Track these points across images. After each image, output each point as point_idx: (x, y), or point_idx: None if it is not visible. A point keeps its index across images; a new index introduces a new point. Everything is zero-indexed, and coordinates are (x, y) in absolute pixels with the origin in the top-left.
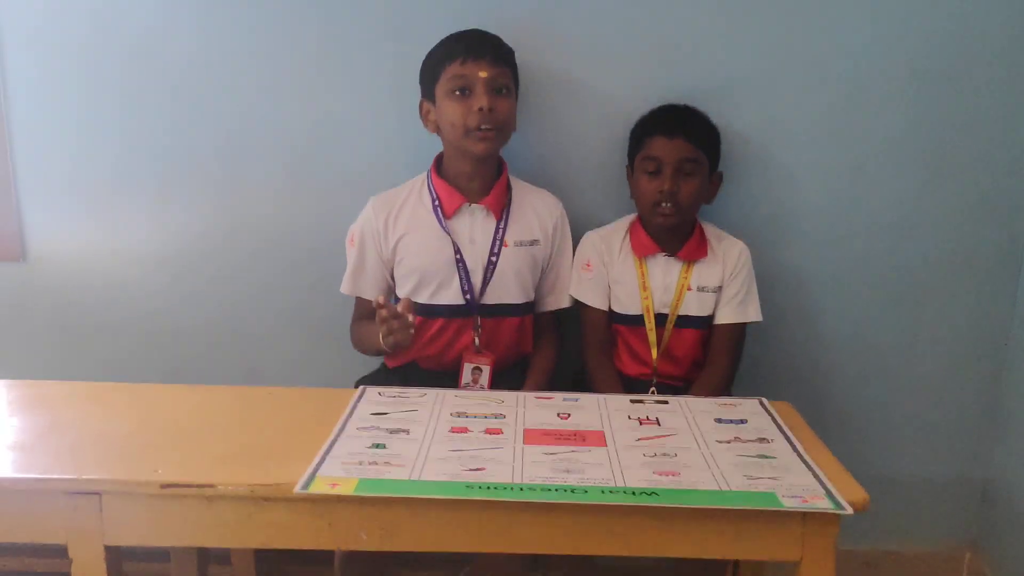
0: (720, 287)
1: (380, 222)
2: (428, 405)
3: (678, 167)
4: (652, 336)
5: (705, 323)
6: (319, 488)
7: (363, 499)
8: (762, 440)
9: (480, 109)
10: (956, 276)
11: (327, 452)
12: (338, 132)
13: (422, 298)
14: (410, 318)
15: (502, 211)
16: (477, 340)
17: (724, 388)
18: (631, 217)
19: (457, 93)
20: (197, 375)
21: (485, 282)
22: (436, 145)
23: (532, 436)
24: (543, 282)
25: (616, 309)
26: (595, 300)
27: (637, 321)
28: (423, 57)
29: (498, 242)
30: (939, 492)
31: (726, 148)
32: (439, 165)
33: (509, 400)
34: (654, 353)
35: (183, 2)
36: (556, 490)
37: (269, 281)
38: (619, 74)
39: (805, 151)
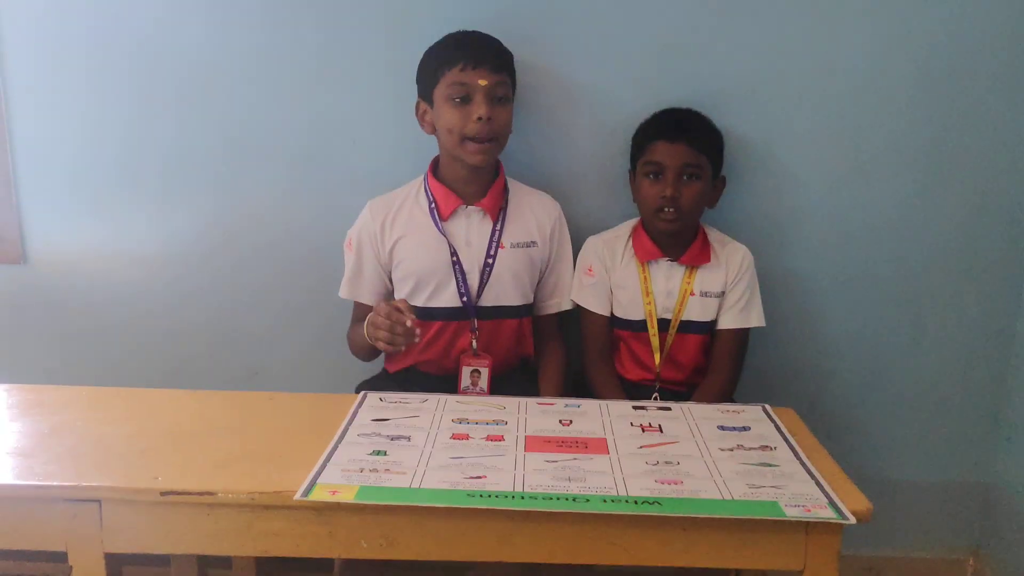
0: (723, 292)
1: (377, 225)
2: (429, 411)
3: (680, 172)
4: (655, 341)
5: (708, 328)
6: (319, 496)
7: (363, 507)
8: (765, 448)
9: (479, 119)
10: (959, 280)
11: (327, 459)
12: (341, 134)
13: (419, 301)
14: (408, 322)
15: (499, 213)
16: (475, 343)
17: (727, 394)
18: (634, 221)
19: (456, 100)
20: (198, 377)
21: (482, 284)
22: (436, 147)
23: (533, 443)
24: (543, 285)
25: (618, 314)
26: (596, 306)
27: (640, 326)
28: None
29: (495, 244)
30: (942, 498)
31: (729, 151)
32: (435, 167)
33: (511, 406)
34: (657, 358)
35: (185, 3)
36: (557, 499)
37: (270, 283)
38: (622, 77)
39: (808, 154)
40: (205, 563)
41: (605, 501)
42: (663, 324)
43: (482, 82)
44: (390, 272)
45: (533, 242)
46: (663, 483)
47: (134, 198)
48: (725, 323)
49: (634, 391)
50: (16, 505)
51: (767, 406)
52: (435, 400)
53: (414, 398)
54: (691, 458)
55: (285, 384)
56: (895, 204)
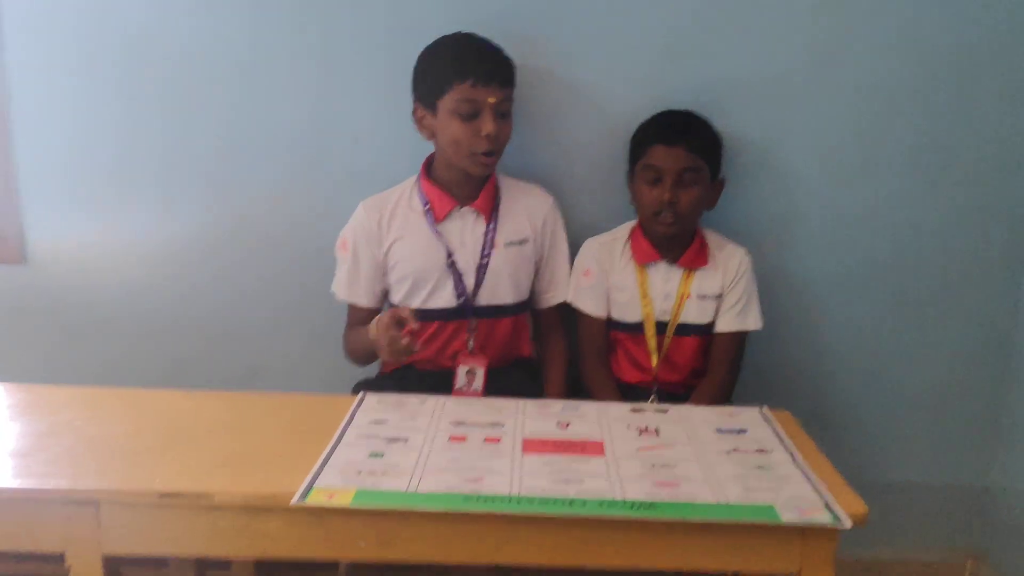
0: (720, 295)
1: (373, 224)
2: (427, 413)
3: (678, 177)
4: (652, 343)
5: (705, 331)
6: (316, 500)
7: (360, 510)
8: (762, 451)
9: (487, 136)
10: (960, 283)
11: (325, 461)
12: (339, 132)
13: (416, 302)
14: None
15: (492, 213)
16: (471, 342)
17: (725, 397)
18: (632, 223)
19: (464, 115)
20: (197, 376)
21: (478, 284)
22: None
23: (531, 445)
24: (539, 279)
25: (616, 316)
26: (593, 308)
27: (637, 328)
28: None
29: (488, 244)
30: (941, 500)
31: (729, 152)
32: (428, 169)
33: (509, 408)
34: (654, 360)
35: (184, 2)
36: (554, 502)
37: (269, 282)
38: (621, 77)
39: (808, 156)
40: (203, 565)
41: (601, 505)
42: (661, 326)
43: (491, 99)
44: (385, 273)
45: (525, 239)
46: (660, 486)
47: (133, 198)
48: (723, 326)
49: (631, 393)
50: (14, 507)
51: (764, 408)
52: (433, 402)
53: (412, 399)
54: (688, 461)
55: (283, 383)
56: (894, 206)
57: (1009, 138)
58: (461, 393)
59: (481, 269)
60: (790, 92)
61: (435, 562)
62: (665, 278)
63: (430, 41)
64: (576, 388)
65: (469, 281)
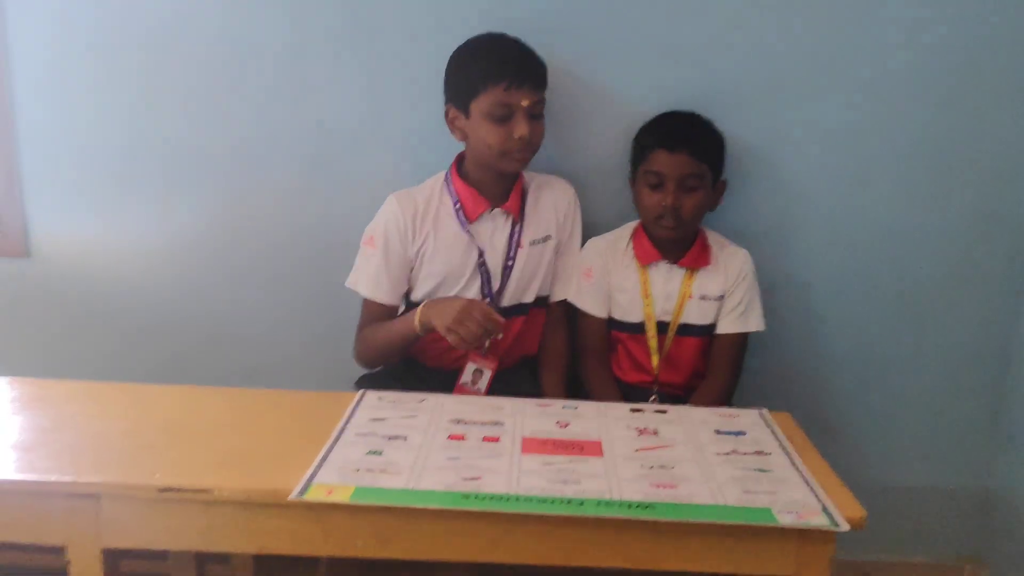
0: (722, 296)
1: (408, 219)
2: (427, 411)
3: (680, 182)
4: (653, 343)
5: (706, 331)
6: (315, 496)
7: (359, 507)
8: (760, 453)
9: (520, 138)
10: (959, 287)
11: (324, 458)
12: (346, 133)
13: None
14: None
15: (520, 212)
16: (487, 342)
17: (725, 398)
18: (634, 223)
19: (497, 118)
20: (200, 372)
21: (503, 285)
22: (442, 147)
23: (530, 445)
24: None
25: (617, 316)
26: (594, 308)
27: (638, 329)
28: (435, 59)
29: (515, 244)
30: (940, 503)
31: (730, 154)
32: (459, 166)
33: (508, 407)
34: (655, 361)
35: (191, 2)
36: (552, 502)
37: (271, 279)
38: (622, 79)
39: (810, 160)
40: (203, 558)
41: (599, 505)
42: (662, 327)
43: (524, 102)
44: (411, 269)
45: (549, 236)
46: (658, 487)
47: (138, 194)
48: (724, 327)
49: (632, 394)
50: (15, 499)
51: (764, 410)
52: (433, 400)
53: (412, 397)
54: (686, 462)
55: (285, 381)
56: (895, 210)
57: (1009, 142)
58: (463, 390)
59: (507, 270)
60: (789, 94)
61: (432, 559)
62: (667, 278)
63: (436, 42)
64: (577, 387)
65: (496, 282)
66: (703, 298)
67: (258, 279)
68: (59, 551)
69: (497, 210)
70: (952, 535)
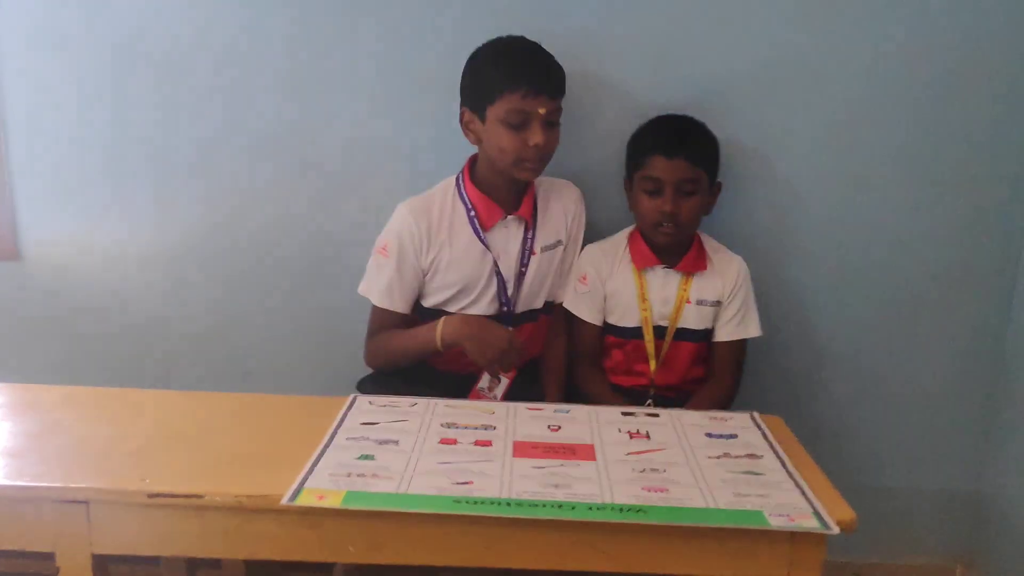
0: (719, 301)
1: (423, 231)
2: (418, 415)
3: (678, 188)
4: (650, 348)
5: (703, 337)
6: (306, 501)
7: (351, 511)
8: (752, 456)
9: (535, 146)
10: (950, 290)
11: (315, 463)
12: (338, 135)
13: (454, 309)
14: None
15: (532, 219)
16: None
17: (727, 403)
18: (630, 228)
19: (513, 124)
20: (192, 376)
21: (517, 291)
22: (441, 152)
23: (521, 449)
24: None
25: (614, 321)
26: (589, 315)
27: (635, 333)
28: (434, 62)
29: (527, 251)
30: (932, 505)
31: (724, 157)
32: (471, 173)
33: (500, 411)
34: (652, 365)
35: (177, 3)
36: (543, 506)
37: (263, 283)
38: (617, 80)
39: (803, 162)
40: (194, 564)
41: (591, 508)
42: (659, 331)
43: (541, 110)
44: (423, 278)
45: (559, 241)
46: (649, 490)
47: (129, 197)
48: (723, 335)
49: (627, 397)
50: (4, 506)
51: (755, 413)
52: (424, 404)
53: (404, 401)
54: (678, 465)
55: (277, 385)
56: (889, 213)
57: (1001, 147)
58: (479, 396)
59: (520, 277)
60: (785, 99)
61: (424, 564)
62: (663, 283)
63: (435, 45)
64: (572, 392)
65: (510, 289)
66: (700, 303)
67: (250, 282)
68: (49, 557)
69: (511, 217)
70: (943, 537)
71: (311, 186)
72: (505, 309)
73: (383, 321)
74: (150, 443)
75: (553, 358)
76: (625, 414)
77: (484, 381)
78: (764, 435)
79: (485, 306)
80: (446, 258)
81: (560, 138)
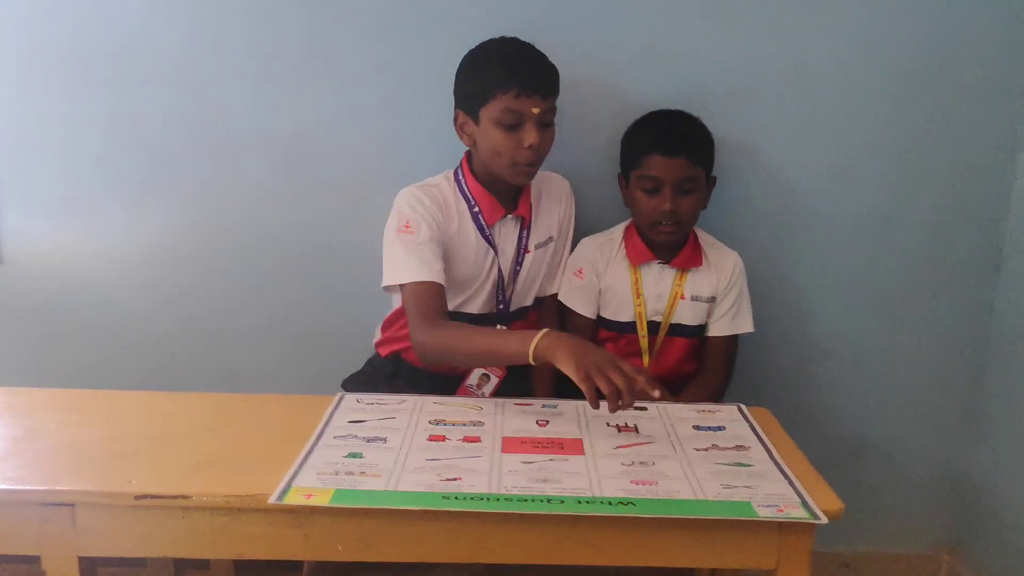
0: (713, 297)
1: (437, 208)
2: (406, 412)
3: (677, 186)
4: (644, 343)
5: (696, 332)
6: (294, 499)
7: (339, 510)
8: (739, 447)
9: (530, 146)
10: (935, 279)
11: (303, 462)
12: (323, 134)
13: (451, 305)
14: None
15: (529, 216)
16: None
17: (718, 398)
18: (626, 223)
19: (506, 125)
20: (178, 378)
21: (512, 290)
22: (421, 148)
23: (510, 444)
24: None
25: (608, 316)
26: (583, 308)
27: (629, 328)
28: (415, 59)
29: (522, 250)
30: (918, 494)
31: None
32: (471, 169)
33: (488, 407)
34: (646, 360)
35: (165, 6)
36: (532, 500)
37: (249, 283)
38: (605, 77)
39: (784, 155)
40: (182, 565)
41: (580, 502)
42: (653, 327)
43: (535, 109)
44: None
45: (551, 237)
46: (637, 484)
47: (112, 198)
48: (717, 330)
49: None
50: None
51: (742, 406)
52: (412, 401)
53: (391, 399)
54: (666, 458)
55: (264, 385)
56: (871, 204)
57: (982, 140)
58: (468, 392)
59: (514, 275)
60: (766, 93)
61: (413, 561)
62: (658, 278)
63: (416, 42)
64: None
65: (507, 287)
66: (694, 299)
67: (236, 283)
68: (34, 561)
69: (509, 216)
70: (930, 526)
71: (294, 184)
72: (501, 308)
73: (430, 297)
74: (135, 445)
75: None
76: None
77: (473, 378)
78: (751, 427)
79: (481, 304)
80: (454, 249)
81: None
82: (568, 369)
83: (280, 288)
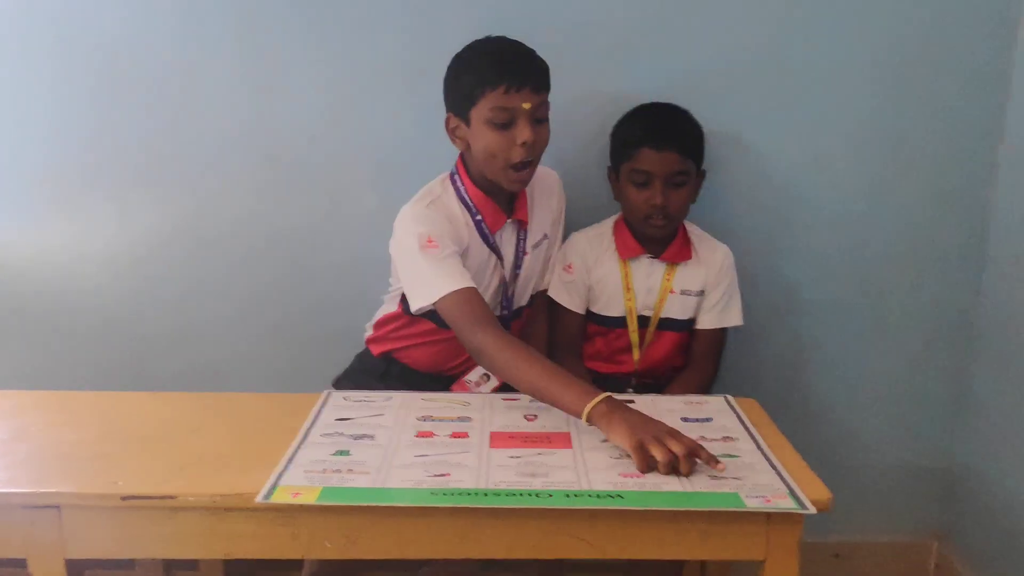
0: (703, 291)
1: (449, 224)
2: (394, 409)
3: (668, 180)
4: (635, 337)
5: (686, 326)
6: (281, 498)
7: (327, 507)
8: (727, 439)
9: (523, 144)
10: (920, 267)
11: (290, 460)
12: (309, 133)
13: None
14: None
15: (527, 220)
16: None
17: (706, 391)
18: (615, 217)
19: (498, 124)
20: (160, 378)
21: (514, 292)
22: (406, 146)
23: (498, 439)
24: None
25: (598, 310)
26: (572, 303)
27: (619, 323)
28: (402, 57)
29: (521, 252)
30: (907, 483)
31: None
32: (469, 175)
33: (476, 402)
34: (636, 354)
35: (152, 3)
36: (521, 495)
37: (231, 282)
38: (592, 69)
39: (772, 148)
40: (171, 565)
41: (568, 496)
42: (643, 320)
43: (526, 105)
44: None
45: (545, 235)
46: (626, 477)
47: (96, 199)
48: (705, 323)
49: (609, 384)
50: None
51: (729, 397)
52: (400, 398)
53: (379, 396)
54: None
55: (250, 385)
56: (856, 193)
57: (965, 129)
58: (465, 388)
59: (514, 278)
60: (754, 86)
61: (402, 558)
62: (648, 272)
63: (402, 39)
64: None
65: (509, 291)
66: (684, 293)
67: (221, 282)
68: (21, 564)
69: (510, 221)
70: (919, 514)
71: (280, 183)
72: (505, 312)
73: (475, 302)
74: (120, 446)
75: (533, 345)
76: (600, 389)
77: (474, 375)
78: (739, 418)
79: None
80: (465, 264)
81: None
82: (622, 440)
83: (264, 288)
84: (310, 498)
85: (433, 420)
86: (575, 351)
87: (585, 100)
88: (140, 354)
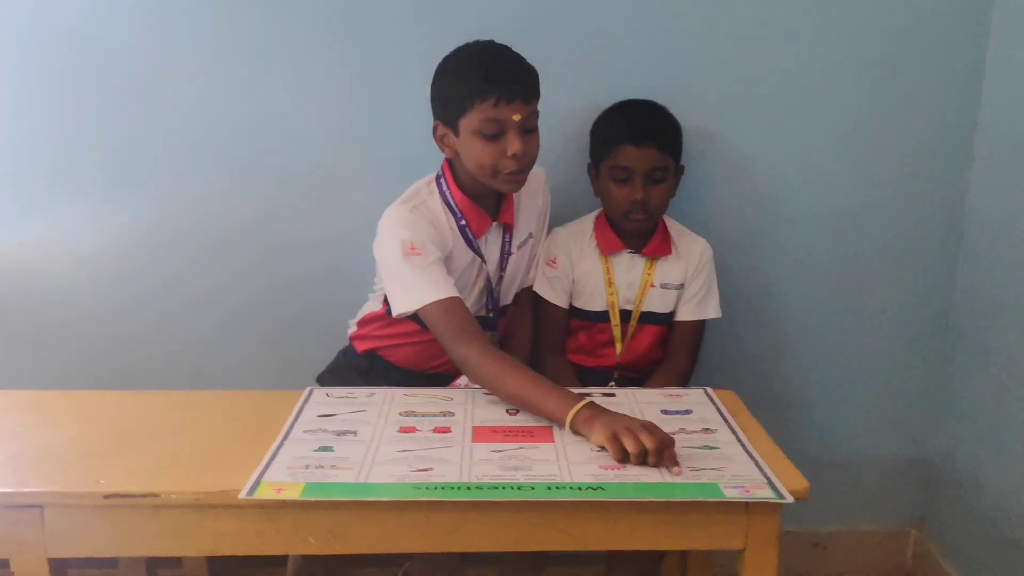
0: (682, 284)
1: (433, 229)
2: (377, 405)
3: (648, 175)
4: (617, 332)
5: (666, 320)
6: (264, 494)
7: (310, 503)
8: (706, 430)
9: (514, 155)
10: (898, 261)
11: (272, 457)
12: (286, 128)
13: None
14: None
15: (513, 221)
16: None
17: (684, 383)
18: (596, 213)
19: (487, 135)
20: (143, 377)
21: (499, 292)
22: (387, 141)
23: (481, 434)
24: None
25: (580, 305)
26: (556, 298)
27: (602, 317)
28: (376, 49)
29: (506, 254)
30: (885, 473)
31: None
32: (455, 179)
33: (458, 397)
34: (619, 348)
35: (127, 2)
36: (503, 488)
37: (215, 281)
38: (573, 66)
39: (749, 143)
40: (154, 563)
41: (550, 488)
42: (624, 315)
43: (516, 116)
44: None
45: (531, 234)
46: (607, 469)
47: (74, 197)
48: (683, 315)
49: (591, 377)
50: None
51: (708, 389)
52: (382, 394)
53: (361, 392)
54: None
55: (231, 382)
56: (833, 189)
57: (943, 125)
58: (457, 386)
59: (499, 279)
60: (729, 80)
61: (385, 552)
62: (629, 267)
63: (377, 32)
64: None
65: (495, 292)
66: (664, 286)
67: (201, 280)
68: (4, 564)
69: (496, 224)
70: (897, 503)
71: (257, 179)
72: (490, 313)
73: (460, 312)
74: (102, 444)
75: (517, 341)
76: (581, 395)
77: (463, 379)
78: (718, 409)
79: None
80: (449, 267)
81: None
82: (600, 438)
83: (244, 285)
84: (293, 494)
85: (416, 415)
86: (559, 345)
87: (567, 98)
88: (120, 353)
